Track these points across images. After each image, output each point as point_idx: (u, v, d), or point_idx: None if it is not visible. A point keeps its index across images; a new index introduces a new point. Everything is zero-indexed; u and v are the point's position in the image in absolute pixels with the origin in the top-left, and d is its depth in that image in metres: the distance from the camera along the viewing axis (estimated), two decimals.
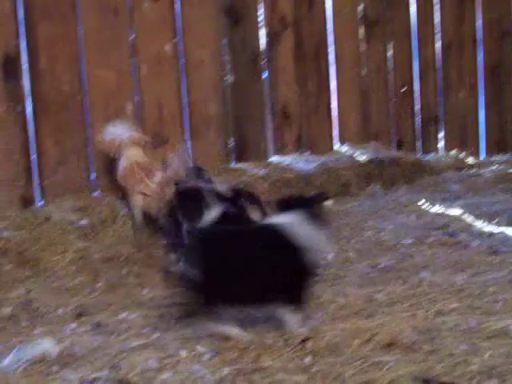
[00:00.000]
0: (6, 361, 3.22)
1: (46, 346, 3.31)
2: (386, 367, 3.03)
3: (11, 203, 4.79)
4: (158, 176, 4.75)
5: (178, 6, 5.49)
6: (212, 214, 4.07)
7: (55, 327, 3.66)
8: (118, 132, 4.69)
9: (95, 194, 5.12)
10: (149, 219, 4.64)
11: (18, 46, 4.86)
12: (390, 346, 3.21)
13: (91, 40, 5.12)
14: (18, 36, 4.86)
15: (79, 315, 3.82)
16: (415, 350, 3.17)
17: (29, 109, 4.94)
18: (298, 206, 3.43)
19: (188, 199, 4.17)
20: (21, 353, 3.25)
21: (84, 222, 4.74)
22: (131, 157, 4.69)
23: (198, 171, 4.59)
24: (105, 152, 4.75)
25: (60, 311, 3.88)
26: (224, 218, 4.06)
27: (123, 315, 3.77)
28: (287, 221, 3.37)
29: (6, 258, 4.37)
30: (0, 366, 3.19)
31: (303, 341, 3.28)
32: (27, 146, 4.91)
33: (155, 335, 3.48)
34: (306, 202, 3.48)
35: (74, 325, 3.67)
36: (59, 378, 3.08)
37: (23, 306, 3.92)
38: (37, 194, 4.96)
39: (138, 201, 4.69)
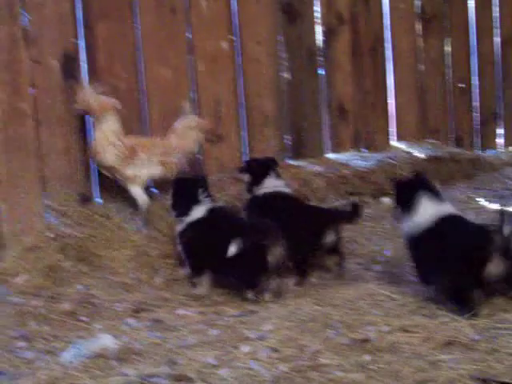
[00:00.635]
0: (66, 355, 3.27)
1: (106, 341, 3.35)
2: (445, 366, 3.00)
3: (70, 200, 4.83)
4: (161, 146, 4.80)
5: (234, 3, 5.49)
6: (201, 209, 4.14)
7: (114, 323, 3.70)
8: (101, 96, 4.73)
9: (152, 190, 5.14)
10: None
11: (76, 45, 4.91)
12: (449, 344, 3.19)
13: (148, 38, 5.16)
14: (76, 35, 4.91)
15: (137, 311, 3.85)
16: (475, 349, 3.14)
17: None
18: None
19: (182, 189, 4.22)
20: (80, 348, 3.30)
21: (140, 218, 4.77)
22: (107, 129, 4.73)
23: (269, 163, 4.60)
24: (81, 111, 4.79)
25: (118, 307, 3.91)
26: (212, 213, 4.14)
27: (180, 311, 3.80)
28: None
29: (65, 255, 4.42)
30: (59, 361, 3.24)
31: (365, 340, 3.27)
32: (85, 143, 4.95)
33: (212, 331, 3.49)
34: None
35: (132, 320, 3.71)
36: (119, 373, 3.12)
37: (82, 302, 3.96)
38: (95, 190, 5.00)
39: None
